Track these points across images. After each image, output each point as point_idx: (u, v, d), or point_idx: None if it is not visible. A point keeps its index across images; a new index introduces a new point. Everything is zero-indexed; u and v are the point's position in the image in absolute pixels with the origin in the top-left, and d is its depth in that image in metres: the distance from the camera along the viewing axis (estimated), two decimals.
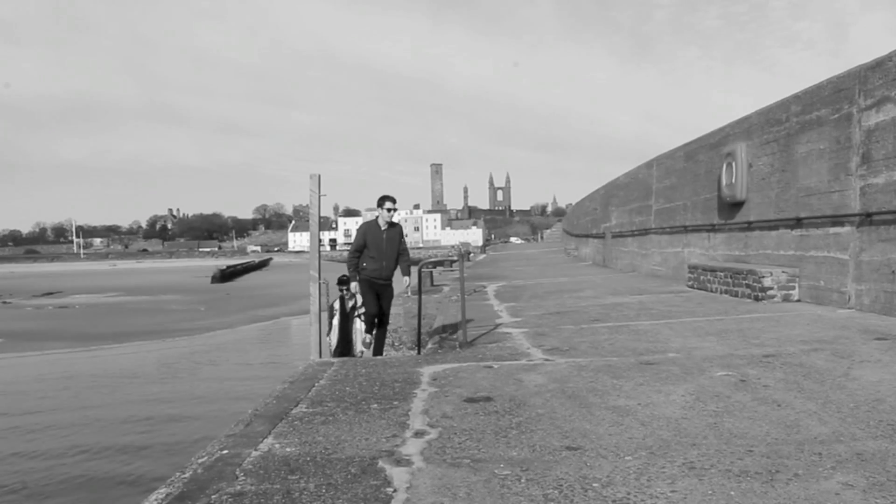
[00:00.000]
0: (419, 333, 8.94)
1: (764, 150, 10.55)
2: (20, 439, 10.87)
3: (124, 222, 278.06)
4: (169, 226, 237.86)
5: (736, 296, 10.31)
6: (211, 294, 46.95)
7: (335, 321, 9.40)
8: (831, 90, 8.66)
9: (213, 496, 2.99)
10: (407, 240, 8.36)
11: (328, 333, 9.27)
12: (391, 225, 7.90)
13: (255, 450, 3.64)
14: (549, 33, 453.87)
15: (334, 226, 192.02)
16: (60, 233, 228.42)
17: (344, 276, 8.90)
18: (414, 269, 8.54)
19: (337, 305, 9.50)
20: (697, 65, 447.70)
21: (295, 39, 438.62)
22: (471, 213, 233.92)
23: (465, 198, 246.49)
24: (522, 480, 3.06)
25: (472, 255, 52.48)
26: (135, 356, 19.58)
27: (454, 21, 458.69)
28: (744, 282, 10.11)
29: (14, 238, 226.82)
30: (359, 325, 9.29)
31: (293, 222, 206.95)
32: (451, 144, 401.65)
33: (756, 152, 10.85)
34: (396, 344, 12.30)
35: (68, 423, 11.77)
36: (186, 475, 3.30)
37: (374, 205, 8.16)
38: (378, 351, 8.15)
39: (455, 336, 7.86)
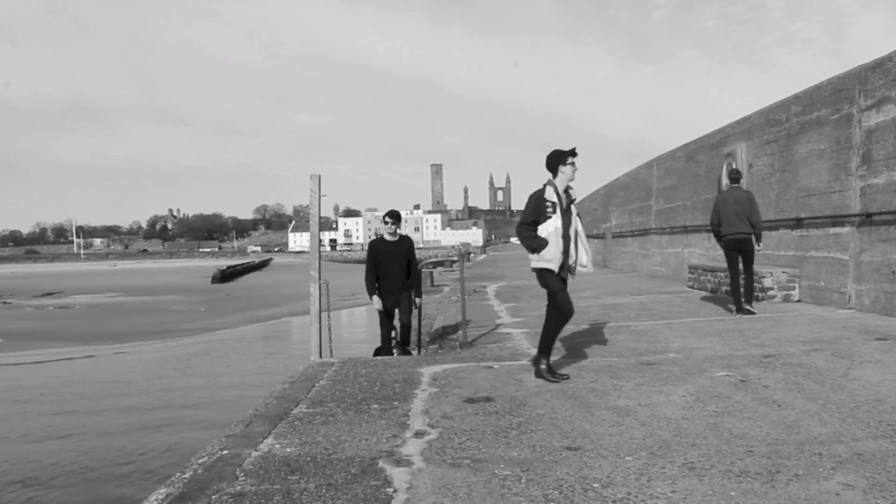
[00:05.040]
0: (419, 333, 8.93)
1: (764, 150, 10.55)
2: (19, 440, 10.86)
3: (124, 223, 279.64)
4: (169, 226, 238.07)
5: None
6: (211, 294, 46.91)
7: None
8: (831, 90, 8.65)
9: (213, 496, 2.99)
10: None
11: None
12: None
13: (256, 450, 3.64)
14: (547, 33, 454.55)
15: (334, 226, 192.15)
16: (61, 233, 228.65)
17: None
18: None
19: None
20: (696, 65, 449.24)
21: (293, 40, 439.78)
22: (471, 214, 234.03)
23: (466, 198, 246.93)
24: (522, 481, 3.06)
25: (472, 255, 52.55)
26: (135, 356, 19.57)
27: (453, 21, 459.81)
28: None
29: (14, 238, 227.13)
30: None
31: (293, 222, 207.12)
32: (450, 144, 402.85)
33: (756, 152, 10.85)
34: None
35: (67, 423, 11.76)
36: (186, 475, 3.30)
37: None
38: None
39: (455, 336, 7.86)
